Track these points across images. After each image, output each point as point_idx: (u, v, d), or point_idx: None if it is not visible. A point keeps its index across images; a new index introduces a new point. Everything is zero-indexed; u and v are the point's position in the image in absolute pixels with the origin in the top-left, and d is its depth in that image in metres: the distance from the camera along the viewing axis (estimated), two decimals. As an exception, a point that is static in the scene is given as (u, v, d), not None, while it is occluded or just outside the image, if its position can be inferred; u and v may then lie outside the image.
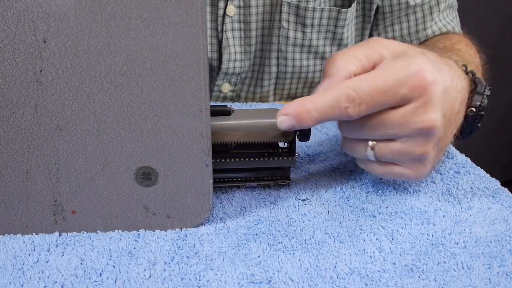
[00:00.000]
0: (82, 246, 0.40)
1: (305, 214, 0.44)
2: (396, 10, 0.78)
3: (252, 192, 0.47)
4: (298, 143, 0.47)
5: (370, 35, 0.84)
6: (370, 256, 0.39)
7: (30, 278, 0.36)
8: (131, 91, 0.38)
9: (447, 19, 0.80)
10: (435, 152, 0.43)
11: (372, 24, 0.81)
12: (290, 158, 0.46)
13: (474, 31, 0.80)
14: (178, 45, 0.37)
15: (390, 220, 0.44)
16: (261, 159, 0.46)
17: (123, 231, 0.41)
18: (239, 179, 0.47)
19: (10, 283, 0.36)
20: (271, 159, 0.46)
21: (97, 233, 0.41)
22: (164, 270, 0.37)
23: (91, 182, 0.40)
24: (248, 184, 0.47)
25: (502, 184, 0.49)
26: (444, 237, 0.42)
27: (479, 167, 0.52)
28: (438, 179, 0.49)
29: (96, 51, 0.36)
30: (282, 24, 0.73)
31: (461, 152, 0.54)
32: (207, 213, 0.42)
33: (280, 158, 0.46)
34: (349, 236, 0.42)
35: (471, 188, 0.48)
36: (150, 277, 0.37)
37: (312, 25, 0.74)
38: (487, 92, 0.48)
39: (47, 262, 0.38)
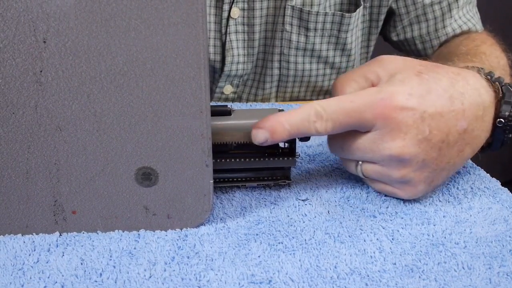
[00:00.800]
0: (82, 246, 0.40)
1: (306, 214, 0.44)
2: (412, 10, 0.77)
3: (252, 192, 0.47)
4: (298, 143, 0.47)
5: (387, 38, 0.83)
6: (371, 256, 0.39)
7: (31, 278, 0.36)
8: (131, 92, 0.38)
9: (467, 16, 0.78)
10: (425, 173, 0.43)
11: (390, 26, 0.80)
12: (290, 158, 0.46)
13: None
14: (179, 46, 0.37)
15: (391, 220, 0.44)
16: (262, 159, 0.46)
17: (123, 231, 0.41)
18: (240, 179, 0.47)
19: (11, 283, 0.36)
20: (271, 159, 0.46)
21: (98, 233, 0.41)
22: (165, 270, 0.37)
23: (91, 182, 0.40)
24: (248, 184, 0.47)
25: (502, 184, 0.49)
26: (445, 237, 0.42)
27: (479, 167, 0.52)
28: (438, 179, 0.49)
29: (96, 51, 0.36)
30: (285, 28, 0.73)
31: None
32: (207, 213, 0.42)
33: (280, 158, 0.46)
34: (349, 236, 0.41)
35: (471, 188, 0.48)
36: (150, 277, 0.37)
37: (316, 29, 0.74)
38: None
39: (47, 262, 0.38)
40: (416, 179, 0.43)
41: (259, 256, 0.39)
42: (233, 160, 0.45)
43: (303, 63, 0.76)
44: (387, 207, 0.45)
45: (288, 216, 0.44)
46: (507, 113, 0.44)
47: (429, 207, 0.45)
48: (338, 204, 0.46)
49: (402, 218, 0.44)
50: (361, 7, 0.74)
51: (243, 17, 0.72)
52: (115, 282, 0.36)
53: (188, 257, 0.39)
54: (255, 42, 0.74)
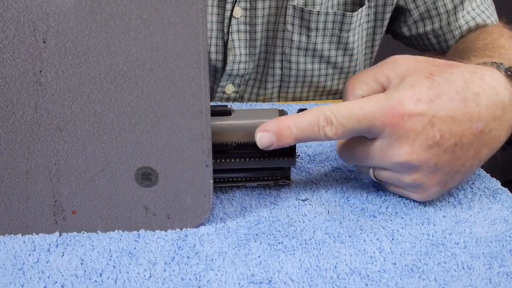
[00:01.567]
0: (82, 246, 0.40)
1: (306, 214, 0.44)
2: (421, 5, 0.76)
3: (252, 192, 0.47)
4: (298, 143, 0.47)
5: (397, 34, 0.82)
6: (371, 256, 0.39)
7: (30, 278, 0.36)
8: (131, 92, 0.38)
9: (482, 7, 0.77)
10: (438, 177, 0.43)
11: (400, 21, 0.79)
12: (290, 158, 0.46)
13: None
14: (178, 46, 0.37)
15: (391, 220, 0.44)
16: (261, 159, 0.46)
17: (123, 231, 0.41)
18: (239, 179, 0.47)
19: (10, 283, 0.36)
20: (271, 159, 0.46)
21: (97, 233, 0.41)
22: (165, 270, 0.37)
23: (91, 182, 0.40)
24: (248, 184, 0.47)
25: (502, 184, 0.49)
26: (445, 237, 0.41)
27: (479, 167, 0.52)
28: (438, 179, 0.49)
29: (96, 51, 0.36)
30: (286, 27, 0.73)
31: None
32: (207, 213, 0.42)
33: (280, 158, 0.46)
34: (349, 236, 0.41)
35: (471, 188, 0.48)
36: (150, 277, 0.37)
37: (317, 29, 0.73)
38: None
39: (47, 262, 0.38)
40: (428, 182, 0.43)
41: (259, 256, 0.39)
42: (233, 160, 0.45)
43: (305, 63, 0.76)
44: (387, 207, 0.45)
45: (288, 216, 0.44)
46: None
47: (429, 207, 0.45)
48: (338, 204, 0.46)
49: (402, 218, 0.44)
50: (365, 6, 0.74)
51: (245, 16, 0.72)
52: (115, 282, 0.36)
53: (188, 257, 0.39)
54: (257, 41, 0.74)
